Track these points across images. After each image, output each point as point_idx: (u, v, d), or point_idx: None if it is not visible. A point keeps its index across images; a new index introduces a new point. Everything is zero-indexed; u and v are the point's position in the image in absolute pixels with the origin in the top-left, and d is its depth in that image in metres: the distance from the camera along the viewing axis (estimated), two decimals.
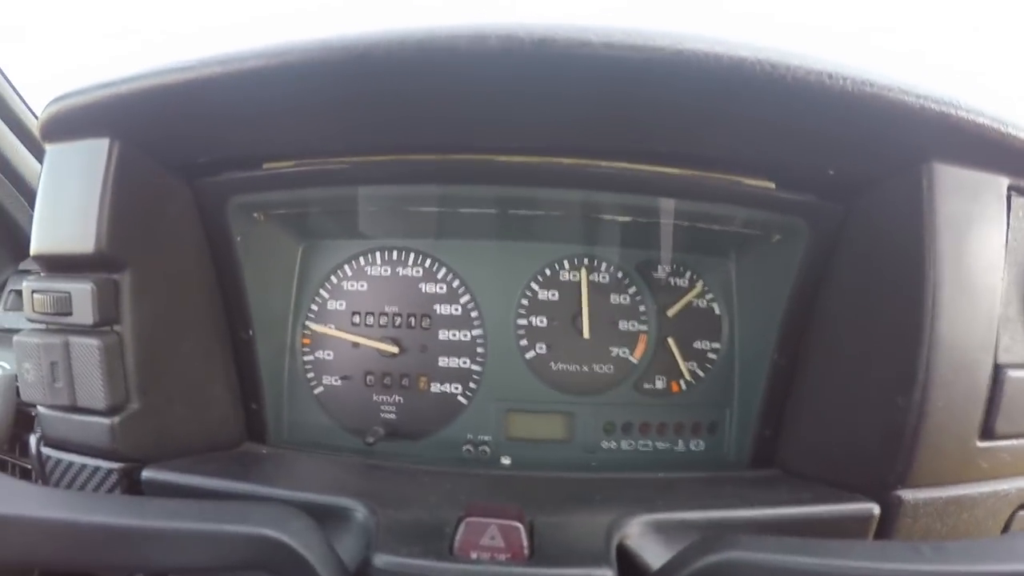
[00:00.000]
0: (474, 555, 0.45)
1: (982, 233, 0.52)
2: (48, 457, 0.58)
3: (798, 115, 0.48)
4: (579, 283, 0.75)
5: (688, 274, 0.76)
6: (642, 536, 0.51)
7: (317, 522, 0.46)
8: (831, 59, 0.45)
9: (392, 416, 0.73)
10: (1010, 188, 0.53)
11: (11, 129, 0.96)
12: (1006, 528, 0.58)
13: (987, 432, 0.54)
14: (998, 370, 0.53)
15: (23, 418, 0.70)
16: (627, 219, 0.70)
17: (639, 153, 0.58)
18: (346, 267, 0.75)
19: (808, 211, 0.62)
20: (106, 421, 0.54)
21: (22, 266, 0.94)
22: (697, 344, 0.75)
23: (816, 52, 0.45)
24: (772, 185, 0.60)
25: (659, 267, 0.76)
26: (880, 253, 0.56)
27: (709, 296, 0.76)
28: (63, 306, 0.53)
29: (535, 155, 0.58)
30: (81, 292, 0.53)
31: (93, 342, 0.53)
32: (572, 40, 0.41)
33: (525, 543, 0.45)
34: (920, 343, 0.50)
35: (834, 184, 0.58)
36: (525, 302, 0.74)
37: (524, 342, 0.74)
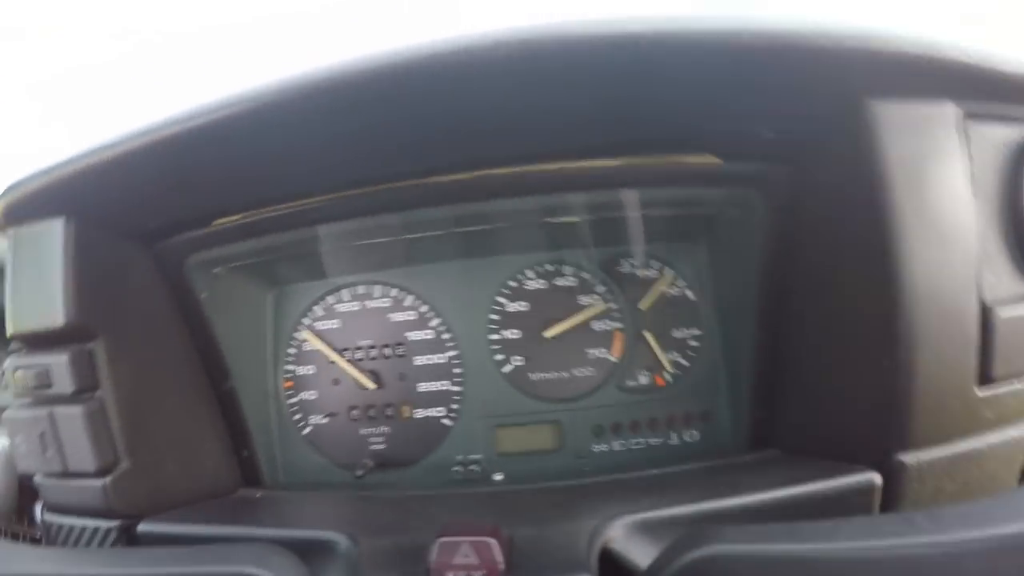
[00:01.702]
0: (449, 574, 0.45)
1: (940, 169, 0.49)
2: (51, 523, 0.61)
3: (717, 81, 0.46)
4: (545, 290, 0.75)
5: (655, 264, 0.75)
6: (627, 538, 0.50)
7: (301, 557, 0.46)
8: (736, 15, 0.43)
9: (381, 447, 0.74)
10: (966, 116, 0.50)
11: None
12: (1022, 477, 0.54)
13: (985, 378, 0.50)
14: (986, 311, 0.50)
15: (29, 490, 0.72)
16: (582, 218, 0.70)
17: (579, 150, 0.58)
18: (316, 308, 0.76)
19: (757, 181, 0.60)
20: (99, 482, 0.56)
21: (11, 347, 0.97)
22: (676, 333, 0.74)
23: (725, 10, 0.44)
24: (717, 160, 0.59)
25: (623, 261, 0.75)
26: (838, 211, 0.54)
27: (681, 283, 0.75)
28: (43, 379, 0.56)
29: (478, 169, 0.59)
30: (58, 364, 0.55)
31: (75, 409, 0.55)
32: (486, 43, 0.42)
33: (499, 558, 0.45)
34: (895, 297, 0.48)
35: (778, 148, 0.56)
36: (495, 316, 0.75)
37: (499, 356, 0.74)
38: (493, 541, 0.46)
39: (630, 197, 0.65)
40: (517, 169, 0.59)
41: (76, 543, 0.59)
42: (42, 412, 0.56)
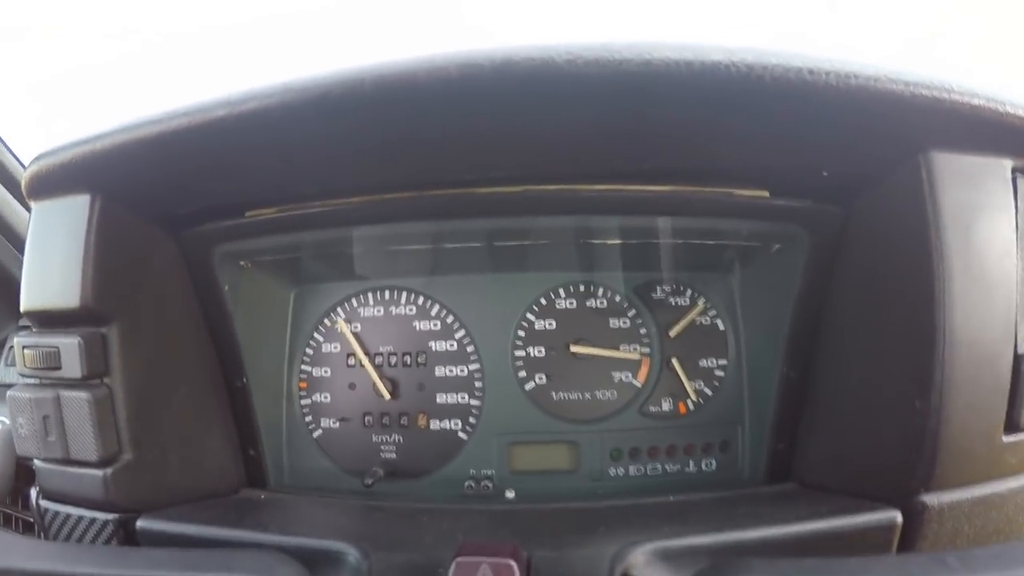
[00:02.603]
0: None
1: (990, 220, 0.49)
2: (47, 510, 0.58)
3: (782, 116, 0.46)
4: (576, 310, 0.73)
5: (689, 292, 0.74)
6: (648, 565, 0.48)
7: (307, 567, 0.45)
8: (811, 54, 0.43)
9: (392, 456, 0.72)
10: (1015, 170, 0.51)
11: (5, 187, 0.97)
12: None
13: (1012, 426, 0.50)
14: (1019, 360, 0.50)
15: (26, 472, 0.70)
16: (620, 241, 0.69)
17: (626, 173, 0.57)
18: (339, 309, 0.75)
19: (805, 217, 0.60)
20: (99, 473, 0.54)
21: (22, 322, 0.95)
22: (703, 362, 0.73)
23: (797, 49, 0.43)
24: (766, 194, 0.58)
25: (658, 287, 0.74)
26: (885, 253, 0.54)
27: (712, 313, 0.74)
28: (52, 360, 0.54)
29: (521, 184, 0.57)
30: (69, 346, 0.53)
31: (83, 395, 0.53)
32: (531, 60, 0.41)
33: None
34: (935, 342, 0.48)
35: (830, 186, 0.56)
36: (522, 333, 0.73)
37: (523, 373, 0.73)
38: (513, 564, 0.44)
39: (673, 225, 0.64)
40: (561, 187, 0.58)
41: (71, 533, 0.57)
42: (47, 395, 0.54)
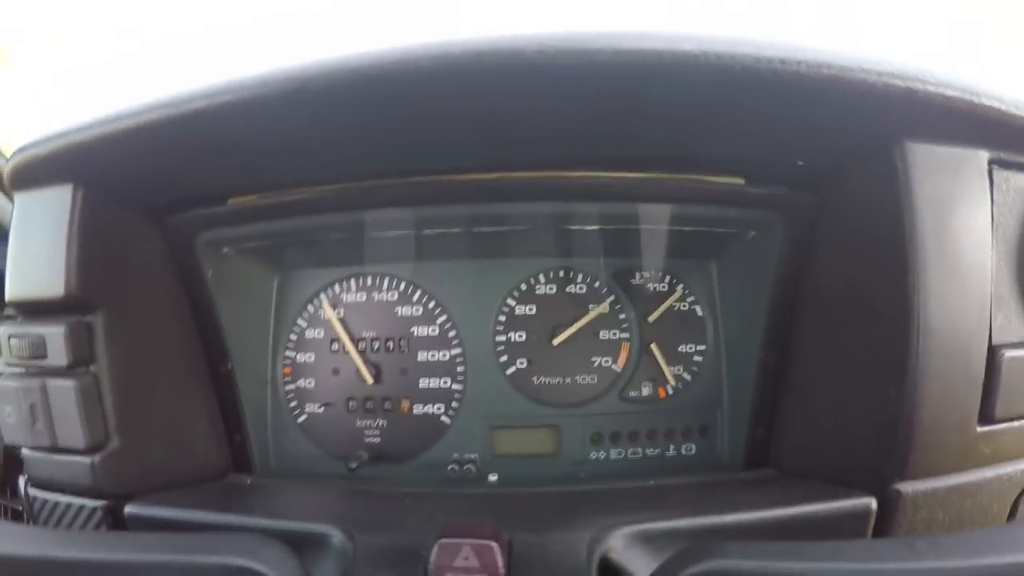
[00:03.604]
0: None
1: (965, 211, 0.50)
2: (35, 498, 0.59)
3: (755, 106, 0.46)
4: (556, 296, 0.74)
5: (667, 278, 0.75)
6: (627, 548, 0.50)
7: (294, 549, 0.45)
8: (785, 43, 0.42)
9: (376, 440, 0.73)
10: (991, 162, 0.51)
11: None
12: (1012, 512, 0.56)
13: (986, 416, 0.52)
14: (993, 352, 0.51)
15: (14, 461, 0.71)
16: (599, 228, 0.70)
17: (601, 161, 0.58)
18: (322, 295, 0.75)
19: (780, 204, 0.61)
20: (87, 460, 0.55)
21: (6, 312, 0.95)
22: (682, 348, 0.74)
23: (772, 38, 0.42)
24: (741, 181, 0.59)
25: (637, 274, 0.75)
26: (860, 242, 0.54)
27: (690, 299, 0.75)
28: (38, 349, 0.54)
29: (497, 171, 0.58)
30: (54, 335, 0.54)
31: (69, 383, 0.54)
32: (500, 51, 0.41)
33: (500, 562, 0.44)
34: (909, 331, 0.48)
35: (805, 174, 0.56)
36: (503, 318, 0.74)
37: (504, 358, 0.74)
38: (495, 545, 0.45)
39: (649, 211, 0.65)
40: (538, 174, 0.58)
41: (60, 520, 0.58)
42: (34, 383, 0.55)
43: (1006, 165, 0.52)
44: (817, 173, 0.56)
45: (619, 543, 0.50)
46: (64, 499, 0.57)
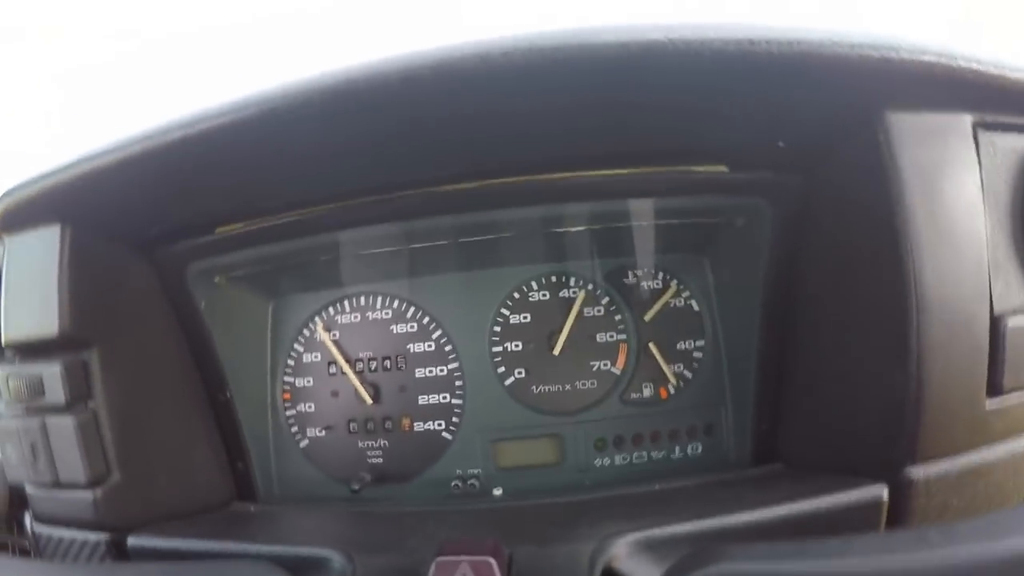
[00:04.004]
0: None
1: (953, 178, 0.48)
2: (40, 533, 0.59)
3: (729, 90, 0.45)
4: (549, 302, 0.74)
5: (661, 275, 0.75)
6: (631, 557, 0.48)
7: (294, 575, 0.45)
8: (753, 24, 0.42)
9: (379, 460, 0.73)
10: (975, 125, 0.50)
11: None
12: None
13: (994, 388, 0.49)
14: (996, 320, 0.49)
15: (19, 498, 0.71)
16: (587, 229, 0.69)
17: (582, 159, 0.57)
18: (316, 319, 0.76)
19: (767, 189, 0.60)
20: (89, 494, 0.55)
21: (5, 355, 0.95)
22: (680, 345, 0.73)
23: (742, 19, 0.42)
24: (724, 168, 0.58)
25: (629, 273, 0.74)
26: (850, 219, 0.53)
27: (685, 294, 0.74)
28: (36, 388, 0.55)
29: (479, 179, 0.58)
30: (51, 374, 0.54)
31: (68, 420, 0.54)
32: (466, 58, 0.41)
33: None
34: (907, 307, 0.47)
35: (789, 156, 0.55)
36: (497, 329, 0.74)
37: (502, 369, 0.73)
38: (492, 561, 0.44)
39: (636, 207, 0.65)
40: (521, 178, 0.58)
41: (65, 555, 0.58)
42: (33, 422, 0.55)
43: (990, 127, 0.51)
44: (801, 153, 0.55)
45: (622, 551, 0.48)
46: (68, 533, 0.58)
